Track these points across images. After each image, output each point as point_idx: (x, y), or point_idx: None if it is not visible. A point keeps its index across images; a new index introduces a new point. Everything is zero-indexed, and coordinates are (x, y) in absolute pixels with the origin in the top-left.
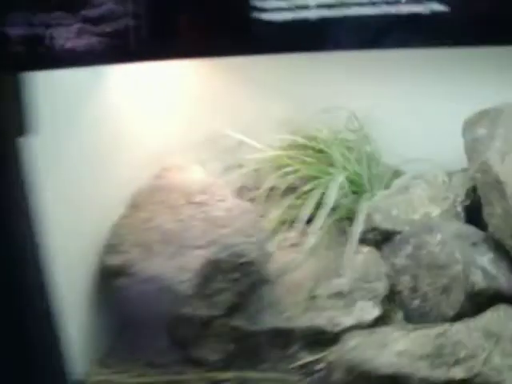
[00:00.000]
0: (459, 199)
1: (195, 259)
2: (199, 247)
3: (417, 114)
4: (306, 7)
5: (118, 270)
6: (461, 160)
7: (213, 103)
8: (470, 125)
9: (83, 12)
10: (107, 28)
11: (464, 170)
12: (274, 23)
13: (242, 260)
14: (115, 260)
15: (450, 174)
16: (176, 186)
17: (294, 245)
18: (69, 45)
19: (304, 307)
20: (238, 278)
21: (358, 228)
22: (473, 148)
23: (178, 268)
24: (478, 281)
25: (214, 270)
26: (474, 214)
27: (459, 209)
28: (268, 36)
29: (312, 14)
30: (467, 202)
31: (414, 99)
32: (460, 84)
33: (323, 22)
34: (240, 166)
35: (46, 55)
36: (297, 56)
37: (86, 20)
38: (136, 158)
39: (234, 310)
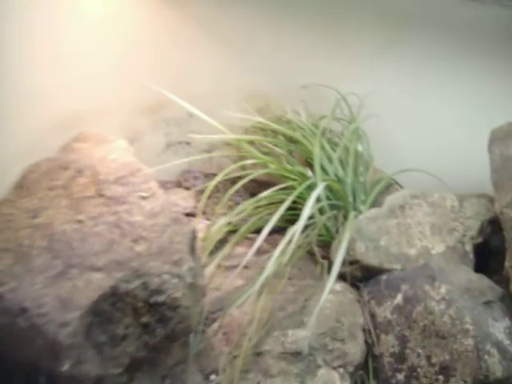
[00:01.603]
0: (469, 234)
1: (88, 287)
2: (98, 269)
3: (428, 110)
4: None
5: None
6: (479, 181)
7: (161, 56)
8: (499, 137)
9: None
10: None
11: (480, 196)
12: None
13: (159, 299)
14: None
15: (461, 198)
16: (86, 166)
17: (244, 267)
18: None
19: (242, 368)
20: (149, 323)
21: (338, 261)
22: (502, 170)
23: (60, 299)
24: (495, 366)
25: (113, 308)
26: (484, 257)
27: (468, 248)
28: None
29: None
30: (478, 240)
31: (426, 90)
32: (492, 77)
33: None
34: (187, 144)
35: None
36: (280, 11)
37: None
38: (42, 118)
39: (138, 367)
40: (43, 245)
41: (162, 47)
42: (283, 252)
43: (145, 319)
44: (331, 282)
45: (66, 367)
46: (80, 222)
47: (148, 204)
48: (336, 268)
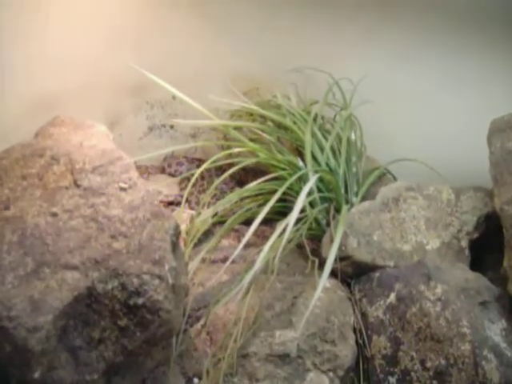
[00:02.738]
0: (465, 229)
1: (62, 287)
2: (73, 267)
3: (425, 96)
4: None
5: None
6: (477, 174)
7: (145, 37)
8: (500, 129)
9: None
10: None
11: (477, 190)
12: None
13: (139, 301)
14: None
15: (457, 191)
16: (63, 153)
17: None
18: None
19: (227, 371)
20: (128, 326)
21: (331, 258)
22: (502, 164)
23: (31, 301)
24: (492, 372)
25: (89, 310)
26: (479, 253)
27: (463, 243)
28: None
29: None
30: (474, 236)
31: (423, 75)
32: (494, 62)
33: None
34: (171, 127)
35: None
36: None
37: None
38: (15, 100)
39: (115, 371)
40: (14, 240)
41: (147, 28)
42: (273, 246)
43: (123, 322)
44: (323, 280)
45: (37, 374)
46: (54, 214)
47: (127, 196)
48: (329, 266)
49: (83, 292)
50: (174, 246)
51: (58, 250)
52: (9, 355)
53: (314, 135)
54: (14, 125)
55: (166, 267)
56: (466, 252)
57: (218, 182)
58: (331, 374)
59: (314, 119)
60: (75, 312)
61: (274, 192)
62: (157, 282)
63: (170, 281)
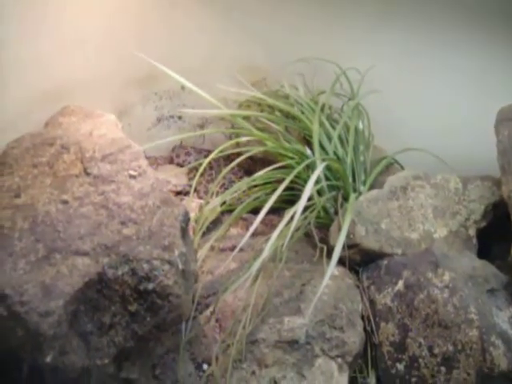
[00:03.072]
0: (473, 218)
1: (73, 273)
2: (83, 253)
3: (431, 87)
4: None
5: None
6: (483, 163)
7: (153, 28)
8: (508, 117)
9: None
10: None
11: (484, 179)
12: None
13: (149, 286)
14: None
15: (464, 180)
16: (72, 142)
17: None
18: None
19: (236, 357)
20: (138, 312)
21: (339, 246)
22: (510, 152)
23: (43, 286)
24: (500, 358)
25: (100, 295)
26: (486, 241)
27: (471, 232)
28: None
29: None
30: (482, 225)
31: (430, 66)
32: (500, 52)
33: None
34: (179, 118)
35: None
36: None
37: None
38: (25, 91)
39: (126, 357)
40: (25, 227)
41: (154, 19)
42: (281, 235)
43: (133, 307)
44: (332, 267)
45: (49, 358)
46: (65, 202)
47: (137, 183)
48: (337, 253)
49: (94, 277)
50: (184, 232)
51: (68, 237)
52: (21, 340)
53: (321, 124)
54: (23, 115)
55: (176, 253)
56: (474, 240)
57: (226, 171)
58: (339, 360)
59: (322, 109)
60: (86, 297)
61: (281, 181)
62: (167, 267)
63: (180, 266)
